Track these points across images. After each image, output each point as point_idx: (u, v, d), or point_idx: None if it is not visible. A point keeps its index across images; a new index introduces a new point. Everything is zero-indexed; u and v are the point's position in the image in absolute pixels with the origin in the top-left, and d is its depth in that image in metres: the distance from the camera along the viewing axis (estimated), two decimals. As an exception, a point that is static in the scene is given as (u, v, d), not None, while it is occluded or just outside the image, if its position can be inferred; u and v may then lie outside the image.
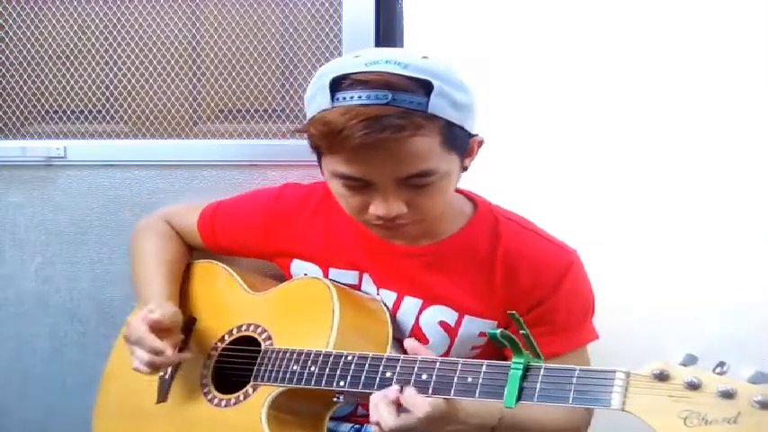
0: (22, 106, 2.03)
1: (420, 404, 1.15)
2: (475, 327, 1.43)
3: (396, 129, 1.18)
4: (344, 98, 1.21)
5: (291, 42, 1.97)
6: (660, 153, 1.82)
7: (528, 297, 1.40)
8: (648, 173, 1.83)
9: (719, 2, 1.80)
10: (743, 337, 1.53)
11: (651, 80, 1.81)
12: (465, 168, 1.37)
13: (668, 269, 1.84)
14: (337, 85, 1.23)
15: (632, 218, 1.84)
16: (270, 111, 1.99)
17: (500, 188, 1.56)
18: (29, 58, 2.01)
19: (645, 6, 1.80)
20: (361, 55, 1.26)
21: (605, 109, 1.83)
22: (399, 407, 1.17)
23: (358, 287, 1.50)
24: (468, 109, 1.28)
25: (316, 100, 1.27)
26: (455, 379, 1.14)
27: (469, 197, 1.51)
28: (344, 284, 1.49)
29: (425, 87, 1.21)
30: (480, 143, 1.37)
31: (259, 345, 1.45)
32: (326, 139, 1.23)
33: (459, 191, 1.50)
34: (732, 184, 1.82)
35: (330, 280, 1.47)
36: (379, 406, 1.17)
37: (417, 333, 1.45)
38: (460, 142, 1.30)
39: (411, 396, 1.16)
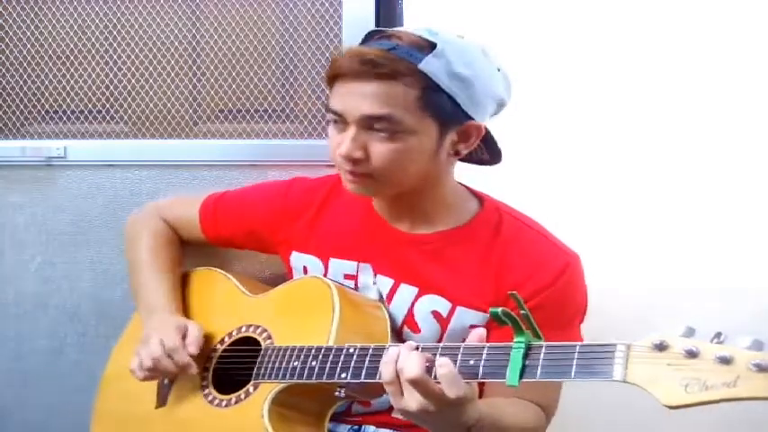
0: (22, 106, 2.03)
1: (458, 382, 1.09)
2: (466, 318, 1.42)
3: (376, 65, 1.25)
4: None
5: (291, 42, 1.97)
6: (661, 140, 1.84)
7: (518, 293, 1.38)
8: (649, 158, 1.85)
9: (720, 2, 1.81)
10: (744, 324, 1.54)
11: (652, 81, 1.83)
12: (457, 153, 1.38)
13: (668, 255, 1.85)
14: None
15: (633, 205, 1.85)
16: (270, 111, 2.00)
17: (502, 187, 1.56)
18: (29, 58, 2.01)
19: (648, 8, 1.82)
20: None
21: (605, 107, 1.85)
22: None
23: (355, 277, 1.50)
24: (465, 84, 1.30)
25: None
26: (458, 362, 1.12)
27: (476, 195, 1.51)
28: (343, 276, 1.50)
29: (431, 48, 1.28)
30: (478, 128, 1.37)
31: (259, 345, 1.44)
32: (328, 74, 1.33)
33: (466, 188, 1.51)
34: (732, 170, 1.84)
35: (330, 279, 1.47)
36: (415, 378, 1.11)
37: (410, 322, 1.45)
38: (445, 112, 1.31)
39: (451, 371, 1.10)
